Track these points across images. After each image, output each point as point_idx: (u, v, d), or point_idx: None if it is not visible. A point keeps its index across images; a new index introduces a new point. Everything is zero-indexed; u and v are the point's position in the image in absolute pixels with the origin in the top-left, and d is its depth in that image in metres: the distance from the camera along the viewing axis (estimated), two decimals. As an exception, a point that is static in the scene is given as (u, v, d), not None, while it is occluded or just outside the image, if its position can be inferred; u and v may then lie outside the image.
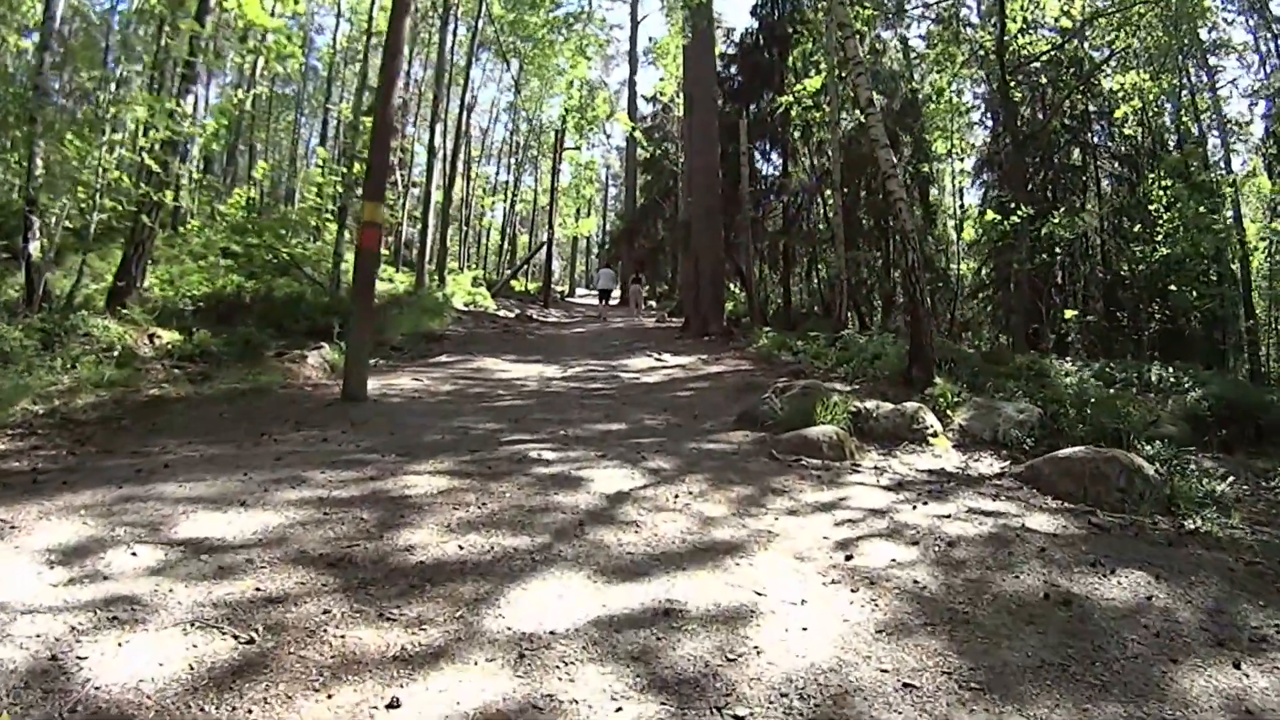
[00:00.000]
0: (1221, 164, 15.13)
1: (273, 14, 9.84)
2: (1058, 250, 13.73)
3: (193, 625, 2.00)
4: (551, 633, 2.05)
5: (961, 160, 19.95)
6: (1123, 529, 3.34)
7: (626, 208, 28.81)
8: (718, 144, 13.60)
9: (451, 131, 20.16)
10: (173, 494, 3.10)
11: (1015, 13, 12.60)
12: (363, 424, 4.73)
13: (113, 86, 7.77)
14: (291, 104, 26.05)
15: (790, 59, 17.30)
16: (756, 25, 19.10)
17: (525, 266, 32.67)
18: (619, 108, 23.15)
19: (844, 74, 12.85)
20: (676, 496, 3.36)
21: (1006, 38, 12.58)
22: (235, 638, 1.95)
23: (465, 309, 15.68)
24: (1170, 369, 8.29)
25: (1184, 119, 15.59)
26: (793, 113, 13.76)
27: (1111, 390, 6.96)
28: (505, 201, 34.85)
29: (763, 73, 18.41)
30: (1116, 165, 17.20)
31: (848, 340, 9.44)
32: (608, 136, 26.77)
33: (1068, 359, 10.00)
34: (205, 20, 8.24)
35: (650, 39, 33.21)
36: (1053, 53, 13.89)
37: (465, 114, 21.99)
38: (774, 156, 19.90)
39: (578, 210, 37.09)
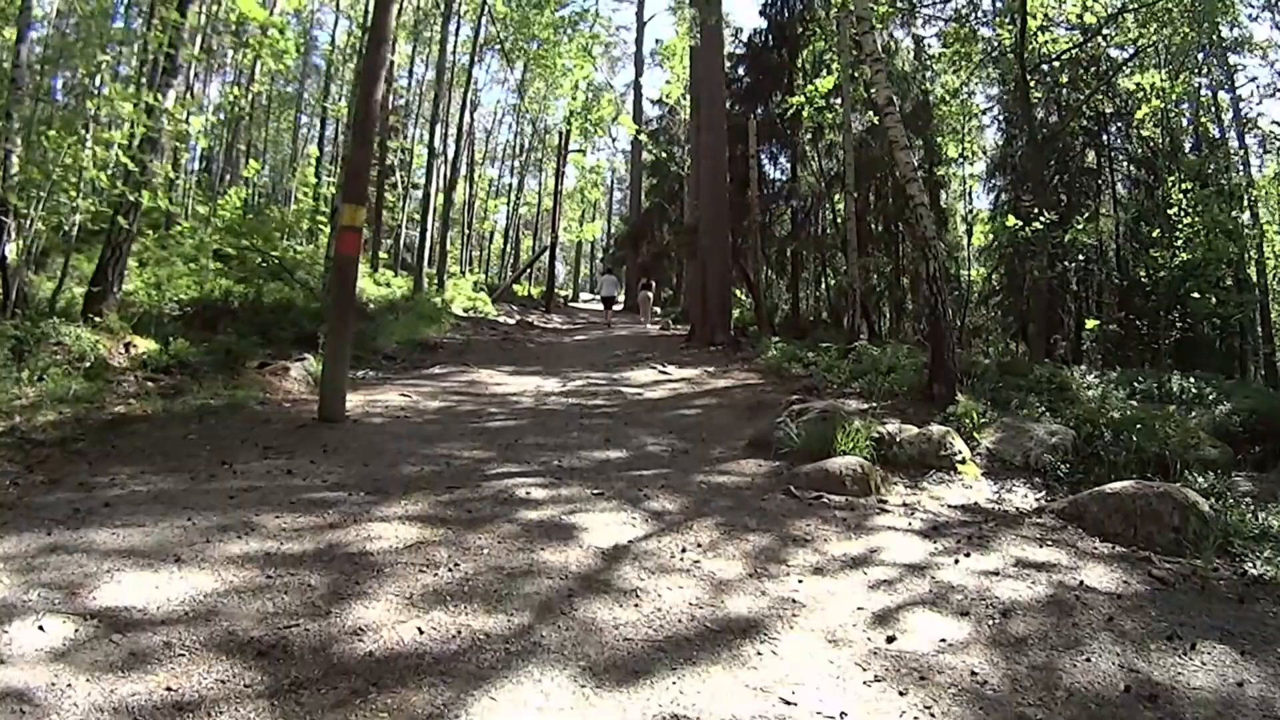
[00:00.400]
0: (1240, 165, 14.65)
1: (272, 11, 9.50)
2: (1080, 257, 13.26)
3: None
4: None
5: (971, 164, 19.49)
6: (1184, 580, 3.00)
7: (631, 212, 28.36)
8: (725, 147, 13.17)
9: (454, 132, 19.80)
10: (104, 544, 2.75)
11: (1036, 9, 12.11)
12: (335, 451, 4.30)
13: (98, 80, 7.37)
14: (293, 103, 25.69)
15: (800, 59, 16.89)
16: (766, 25, 18.76)
17: (529, 271, 32.29)
18: (624, 110, 22.66)
19: (858, 73, 12.42)
20: (684, 550, 2.94)
21: (1027, 35, 12.11)
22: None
23: (465, 315, 15.28)
24: (1191, 379, 7.98)
25: (1203, 119, 15.11)
26: (804, 114, 13.29)
27: (1137, 403, 6.56)
28: (509, 205, 34.45)
29: (772, 73, 18.03)
30: (1133, 168, 16.75)
31: (861, 352, 9.01)
32: (613, 140, 26.30)
33: (1083, 366, 9.60)
34: (186, 10, 7.81)
35: (657, 40, 32.92)
36: (1073, 50, 13.39)
37: (468, 114, 21.62)
38: (782, 160, 19.50)
39: (583, 214, 36.69)
